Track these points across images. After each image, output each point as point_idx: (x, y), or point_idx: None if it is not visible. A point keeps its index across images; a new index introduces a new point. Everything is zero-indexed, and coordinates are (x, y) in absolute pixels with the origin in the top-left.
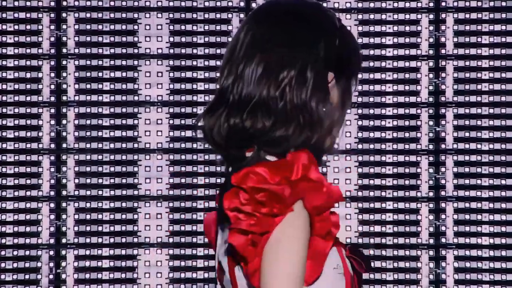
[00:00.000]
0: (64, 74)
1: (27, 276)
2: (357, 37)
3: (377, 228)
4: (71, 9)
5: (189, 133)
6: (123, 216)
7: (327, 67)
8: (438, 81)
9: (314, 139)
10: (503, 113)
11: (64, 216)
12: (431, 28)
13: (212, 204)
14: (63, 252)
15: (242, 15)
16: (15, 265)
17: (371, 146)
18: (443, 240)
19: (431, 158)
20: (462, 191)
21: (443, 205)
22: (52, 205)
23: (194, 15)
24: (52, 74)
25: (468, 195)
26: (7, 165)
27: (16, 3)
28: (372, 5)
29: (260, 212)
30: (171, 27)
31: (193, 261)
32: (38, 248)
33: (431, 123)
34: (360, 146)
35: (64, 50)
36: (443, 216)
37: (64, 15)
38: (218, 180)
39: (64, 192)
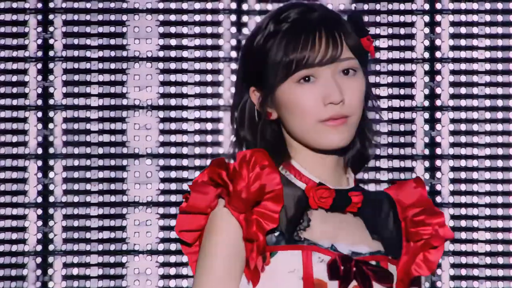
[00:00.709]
0: (51, 77)
1: (13, 284)
2: None
3: None
4: (58, 11)
5: (179, 138)
6: (112, 223)
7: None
8: (433, 84)
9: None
10: (500, 117)
11: (51, 223)
12: (426, 30)
13: None
14: (50, 260)
15: (232, 17)
16: (1, 272)
17: None
18: None
19: (426, 163)
20: (458, 197)
21: None
22: (39, 211)
23: (184, 17)
24: (39, 77)
25: (464, 201)
26: None
27: (1, 5)
28: (366, 7)
29: None
30: (161, 29)
31: (184, 268)
32: (25, 255)
33: (426, 127)
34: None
35: (51, 53)
36: None
37: (51, 17)
38: None
39: (51, 198)
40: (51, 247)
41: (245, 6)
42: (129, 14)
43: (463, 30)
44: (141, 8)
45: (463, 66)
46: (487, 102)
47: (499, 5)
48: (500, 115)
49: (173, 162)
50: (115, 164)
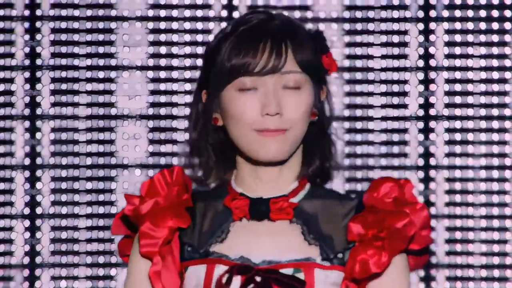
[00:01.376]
0: (39, 86)
1: None
2: (343, 47)
3: None
4: (46, 19)
5: (169, 148)
6: (101, 234)
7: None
8: (427, 93)
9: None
10: (496, 127)
11: (39, 235)
12: (421, 38)
13: None
14: (38, 272)
15: (223, 25)
16: None
17: (358, 161)
18: (434, 260)
19: (420, 174)
20: (453, 208)
21: (433, 223)
22: (26, 223)
23: (174, 25)
24: (26, 86)
25: (459, 213)
26: None
27: None
28: (359, 14)
29: None
30: (150, 37)
31: None
32: (12, 267)
33: (420, 137)
34: (347, 161)
35: (39, 61)
36: (433, 235)
37: (38, 24)
38: None
39: (38, 210)
40: (38, 260)
41: (235, 14)
42: (118, 22)
43: (458, 38)
44: (130, 15)
45: (458, 75)
46: (482, 111)
47: (495, 13)
48: (495, 124)
49: None
50: (104, 175)
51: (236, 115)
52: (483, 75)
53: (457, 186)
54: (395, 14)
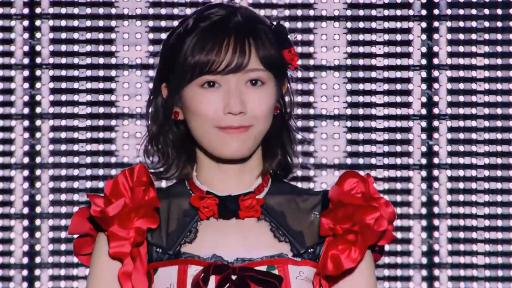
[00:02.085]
0: (38, 85)
1: None
2: (345, 46)
3: None
4: (45, 17)
5: None
6: None
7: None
8: (430, 92)
9: None
10: (499, 126)
11: (38, 235)
12: (424, 37)
13: None
14: (37, 272)
15: None
16: None
17: (360, 161)
18: (437, 259)
19: (423, 173)
20: (456, 207)
21: (436, 222)
22: (25, 222)
23: (175, 23)
24: (26, 85)
25: (462, 212)
26: None
27: None
28: (361, 12)
29: None
30: (151, 36)
31: None
32: (11, 267)
33: (423, 136)
34: (348, 161)
35: (38, 60)
36: (436, 234)
37: (38, 23)
38: None
39: (38, 209)
40: (37, 260)
41: None
42: (118, 20)
43: (461, 36)
44: (131, 13)
45: (461, 73)
46: (486, 110)
47: (498, 11)
48: (499, 123)
49: None
50: (104, 174)
51: (198, 112)
52: (486, 73)
53: (460, 185)
54: (398, 12)
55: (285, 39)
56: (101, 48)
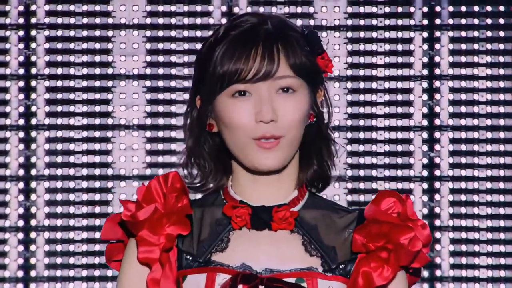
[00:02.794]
0: (34, 96)
1: None
2: (346, 56)
3: None
4: (41, 27)
5: (167, 159)
6: (97, 247)
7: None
8: (432, 102)
9: None
10: (502, 137)
11: (33, 248)
12: (425, 46)
13: None
14: (33, 286)
15: None
16: None
17: (361, 172)
18: (438, 272)
19: (425, 185)
20: (458, 220)
21: (438, 235)
22: (20, 235)
23: (172, 33)
24: (21, 96)
25: (464, 225)
26: None
27: None
28: (362, 22)
29: None
30: (148, 46)
31: None
32: (5, 281)
33: (424, 147)
34: (349, 173)
35: (34, 70)
36: (438, 247)
37: (33, 33)
38: None
39: (33, 222)
40: (33, 273)
41: None
42: (115, 30)
43: (463, 46)
44: (128, 23)
45: (463, 84)
46: (488, 122)
47: (501, 20)
48: (502, 135)
49: None
50: (100, 186)
51: (230, 123)
52: (489, 84)
53: (462, 197)
54: (399, 22)
55: (317, 45)
56: (97, 58)
